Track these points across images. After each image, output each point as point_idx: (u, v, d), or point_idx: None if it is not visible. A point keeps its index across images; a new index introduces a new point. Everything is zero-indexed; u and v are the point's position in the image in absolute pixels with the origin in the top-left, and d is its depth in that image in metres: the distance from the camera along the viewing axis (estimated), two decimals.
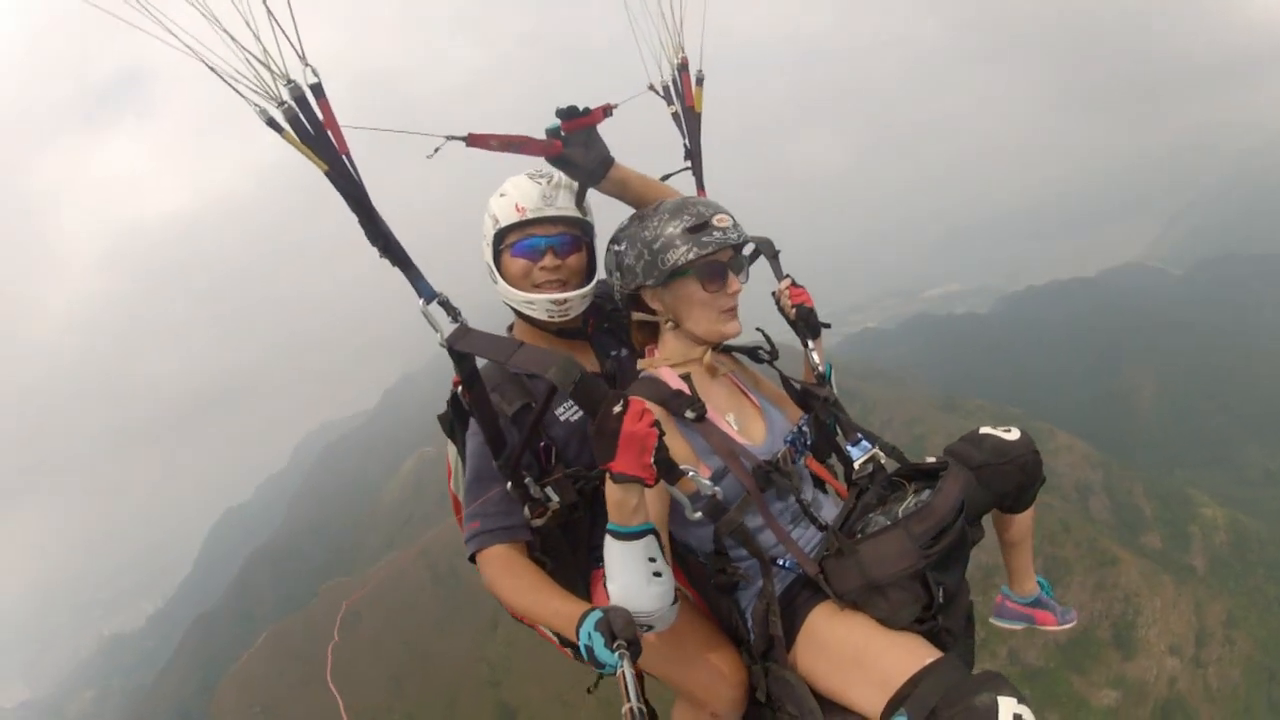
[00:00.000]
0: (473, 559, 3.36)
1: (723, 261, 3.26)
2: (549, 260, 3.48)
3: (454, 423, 3.65)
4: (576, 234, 3.55)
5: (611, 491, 2.74)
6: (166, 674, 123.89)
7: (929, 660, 2.71)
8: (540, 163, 3.53)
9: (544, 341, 3.57)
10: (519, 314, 3.65)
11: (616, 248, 3.40)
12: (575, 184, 3.53)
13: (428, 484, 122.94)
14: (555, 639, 3.38)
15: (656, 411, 3.07)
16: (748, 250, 3.58)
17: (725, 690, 3.28)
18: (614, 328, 3.86)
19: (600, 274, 3.69)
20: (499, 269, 3.54)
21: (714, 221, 3.22)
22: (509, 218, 3.44)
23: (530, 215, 3.42)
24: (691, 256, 3.17)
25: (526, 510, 3.31)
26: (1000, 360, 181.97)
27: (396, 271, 2.99)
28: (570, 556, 3.50)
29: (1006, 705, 2.44)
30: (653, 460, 2.72)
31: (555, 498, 3.32)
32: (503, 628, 71.10)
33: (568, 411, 3.49)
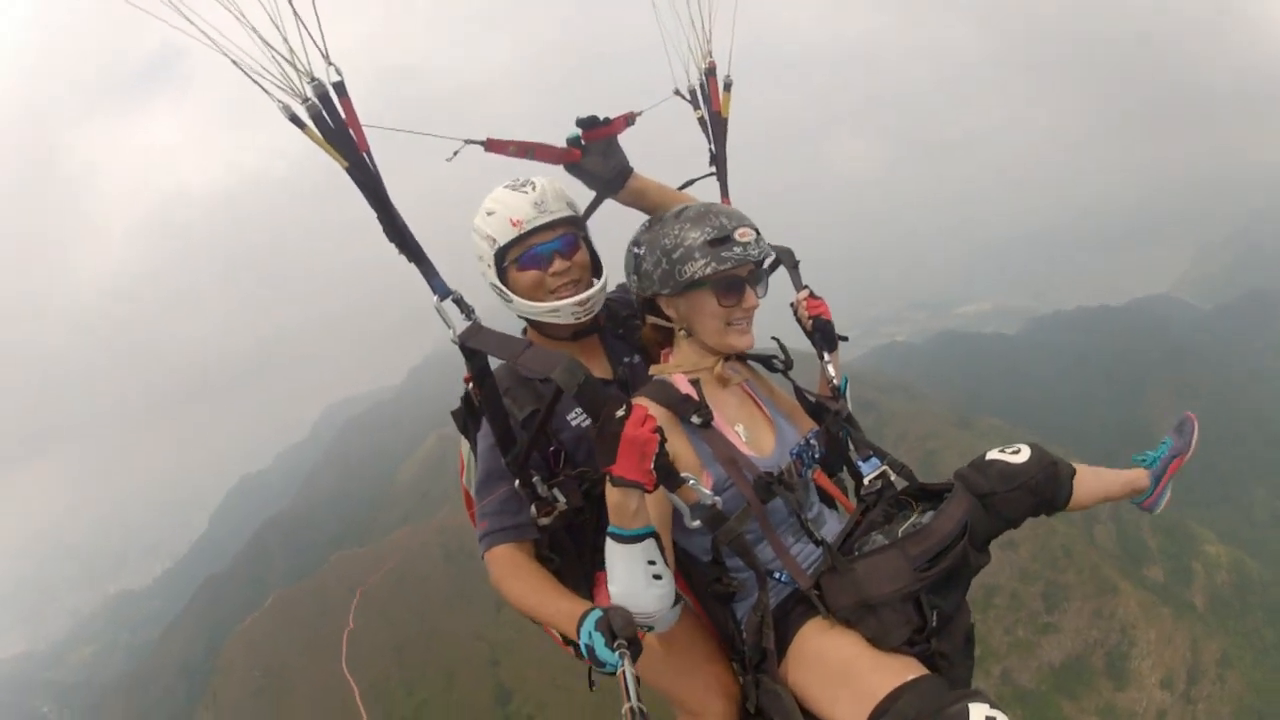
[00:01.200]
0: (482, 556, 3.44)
1: (740, 276, 3.24)
2: (558, 264, 3.46)
3: (467, 420, 3.69)
4: (574, 231, 3.54)
5: (611, 494, 2.79)
6: (172, 632, 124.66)
7: (911, 677, 2.77)
8: (513, 173, 3.56)
9: (555, 346, 3.53)
10: (532, 323, 3.65)
11: (637, 250, 3.37)
12: (558, 185, 3.55)
13: (447, 463, 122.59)
14: (559, 637, 3.42)
15: (662, 416, 3.10)
16: (767, 262, 3.50)
17: (718, 702, 3.34)
18: (627, 334, 3.82)
19: (609, 274, 3.72)
20: (507, 286, 3.53)
21: (736, 236, 3.17)
22: (507, 234, 3.40)
23: (528, 227, 3.39)
24: (709, 271, 3.14)
25: (534, 509, 3.33)
26: (1022, 382, 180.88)
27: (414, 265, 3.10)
28: (575, 556, 3.52)
29: (978, 711, 2.50)
30: (653, 466, 2.78)
31: (562, 499, 3.35)
32: (507, 610, 70.93)
33: (578, 417, 3.48)
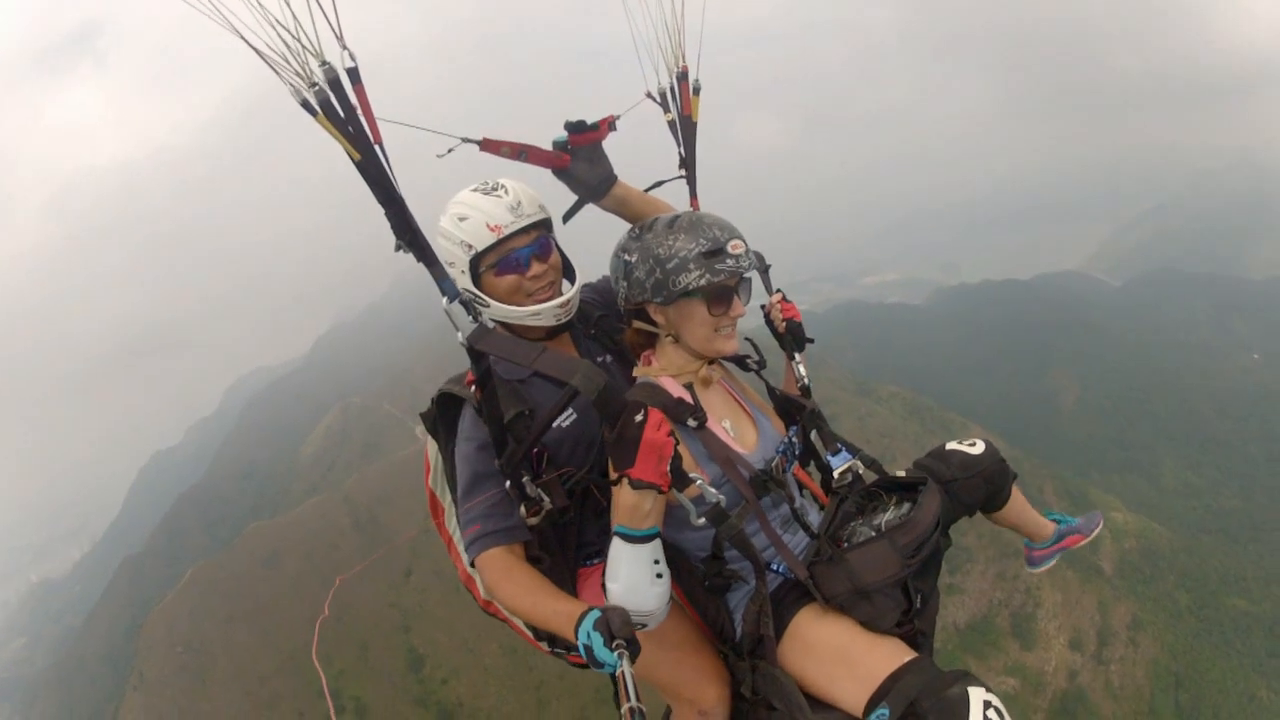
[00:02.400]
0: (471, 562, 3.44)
1: (730, 286, 3.30)
2: (535, 268, 3.44)
3: (437, 421, 3.66)
4: (547, 234, 3.52)
5: (626, 496, 2.83)
6: (94, 618, 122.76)
7: (907, 659, 2.90)
8: (487, 175, 3.49)
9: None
10: (505, 325, 3.57)
11: (627, 257, 3.37)
12: (528, 187, 3.50)
13: (352, 432, 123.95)
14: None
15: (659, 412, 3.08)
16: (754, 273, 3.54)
17: (711, 687, 3.40)
18: (599, 334, 3.84)
19: (581, 277, 3.74)
20: (482, 291, 3.46)
21: (729, 248, 3.22)
22: (484, 240, 3.34)
23: (507, 232, 3.34)
24: (703, 283, 3.17)
25: (522, 509, 3.34)
26: (926, 351, 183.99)
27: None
28: (560, 554, 3.55)
29: (976, 694, 2.65)
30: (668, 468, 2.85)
31: (548, 499, 3.36)
32: (416, 575, 72.46)
33: (566, 419, 3.52)
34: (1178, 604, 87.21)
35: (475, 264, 3.38)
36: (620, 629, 2.64)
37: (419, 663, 69.71)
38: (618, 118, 3.68)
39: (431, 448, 3.80)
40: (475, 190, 3.40)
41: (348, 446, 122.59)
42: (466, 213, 3.35)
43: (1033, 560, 4.63)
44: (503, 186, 3.40)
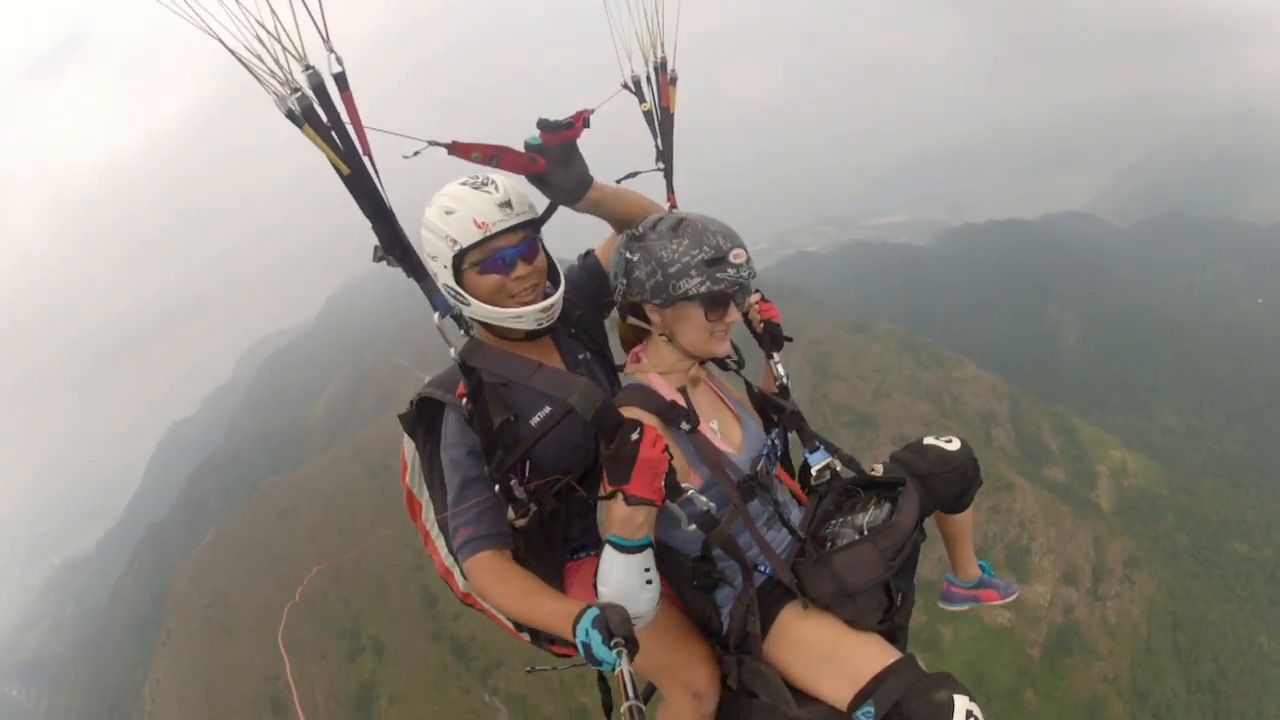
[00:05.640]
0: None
1: (729, 293, 3.31)
2: (521, 270, 3.29)
3: (416, 422, 3.60)
4: (534, 235, 3.37)
5: (620, 510, 2.85)
6: (120, 589, 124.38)
7: (892, 660, 2.98)
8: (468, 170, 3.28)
9: (511, 348, 3.49)
10: (485, 325, 3.45)
11: (629, 255, 3.36)
12: (519, 185, 3.32)
13: (365, 388, 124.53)
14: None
15: (652, 423, 3.13)
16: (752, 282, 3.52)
17: (703, 668, 3.42)
18: (579, 331, 3.76)
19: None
20: (463, 289, 3.30)
21: (731, 258, 3.22)
22: (470, 236, 3.17)
23: (494, 230, 3.19)
24: (703, 290, 3.20)
25: (511, 512, 3.33)
26: (928, 291, 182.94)
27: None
28: (547, 552, 3.53)
29: (961, 702, 2.74)
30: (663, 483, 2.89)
31: (534, 505, 3.37)
32: None
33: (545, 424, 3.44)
34: (1176, 544, 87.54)
35: (458, 260, 3.24)
36: (619, 627, 2.66)
37: (432, 600, 71.79)
38: (592, 112, 3.37)
39: (408, 447, 3.75)
40: (464, 184, 3.28)
41: (361, 401, 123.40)
42: (453, 206, 3.21)
43: (949, 596, 4.68)
44: (493, 182, 3.28)
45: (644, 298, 3.33)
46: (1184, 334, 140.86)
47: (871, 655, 3.03)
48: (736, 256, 3.24)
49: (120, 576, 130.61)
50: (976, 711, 2.73)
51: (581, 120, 3.30)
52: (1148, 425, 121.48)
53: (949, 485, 3.72)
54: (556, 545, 3.56)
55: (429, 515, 3.75)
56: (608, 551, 2.91)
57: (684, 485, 3.03)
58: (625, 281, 3.39)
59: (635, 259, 3.34)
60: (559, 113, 3.25)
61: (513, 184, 3.29)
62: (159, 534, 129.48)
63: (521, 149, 3.18)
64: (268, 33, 2.31)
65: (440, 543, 3.69)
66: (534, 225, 3.36)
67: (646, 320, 3.44)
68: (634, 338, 3.62)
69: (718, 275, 3.20)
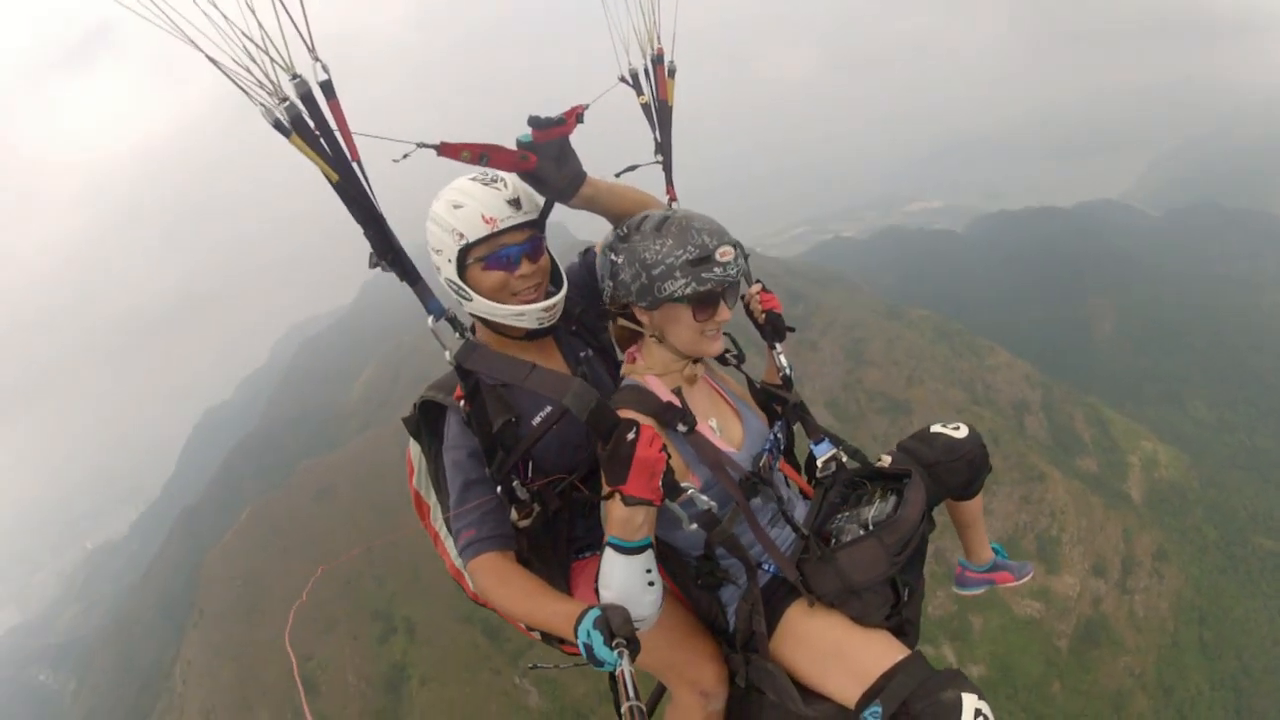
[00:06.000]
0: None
1: (717, 293, 3.24)
2: (525, 268, 3.27)
3: (420, 424, 3.61)
4: (540, 234, 3.35)
5: (619, 511, 2.84)
6: (153, 570, 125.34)
7: (900, 658, 2.95)
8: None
9: (512, 347, 3.48)
10: (485, 321, 3.44)
11: (614, 258, 3.32)
12: (527, 184, 3.30)
13: (404, 369, 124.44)
14: (521, 625, 3.48)
15: (651, 425, 3.08)
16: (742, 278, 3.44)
17: (710, 665, 3.42)
18: (580, 329, 3.73)
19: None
20: (466, 284, 3.29)
21: (717, 256, 3.15)
22: (477, 231, 3.17)
23: (501, 226, 3.18)
24: (688, 291, 3.14)
25: (514, 512, 3.33)
26: (961, 277, 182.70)
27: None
28: (552, 552, 3.53)
29: (969, 701, 2.70)
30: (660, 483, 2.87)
31: (537, 505, 3.36)
32: None
33: (545, 424, 3.43)
34: (1205, 538, 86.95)
35: (464, 254, 3.23)
36: (620, 627, 2.66)
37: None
38: (586, 108, 3.34)
39: (414, 450, 3.75)
40: (474, 179, 3.27)
41: (400, 383, 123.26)
42: (462, 200, 3.20)
43: (963, 580, 4.64)
44: (502, 180, 3.26)
45: (630, 300, 3.29)
46: (1218, 326, 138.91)
47: (879, 653, 3.02)
48: (723, 255, 3.18)
49: (153, 559, 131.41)
50: (986, 710, 2.72)
51: (574, 116, 3.29)
52: (1179, 417, 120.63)
53: (957, 473, 3.70)
54: (562, 545, 3.58)
55: (437, 517, 3.74)
56: (608, 554, 2.91)
57: (683, 484, 3.03)
58: (611, 284, 3.36)
59: (620, 261, 3.30)
60: (556, 109, 3.27)
61: (520, 182, 3.29)
62: (193, 516, 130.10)
63: (514, 147, 3.19)
64: (254, 44, 2.35)
65: (449, 544, 3.65)
66: (540, 225, 3.36)
67: (636, 322, 3.40)
68: (628, 337, 3.60)
69: (703, 275, 3.14)
